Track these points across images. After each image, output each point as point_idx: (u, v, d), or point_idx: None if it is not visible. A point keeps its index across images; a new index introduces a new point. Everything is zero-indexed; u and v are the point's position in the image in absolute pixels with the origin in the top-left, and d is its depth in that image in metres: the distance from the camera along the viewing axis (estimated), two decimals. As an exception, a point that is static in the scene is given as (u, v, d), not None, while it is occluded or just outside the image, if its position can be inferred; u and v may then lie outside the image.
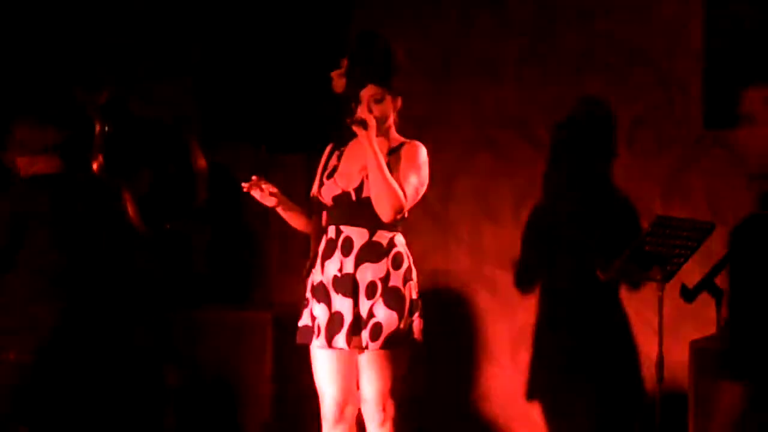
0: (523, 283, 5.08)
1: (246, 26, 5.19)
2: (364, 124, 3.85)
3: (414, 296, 3.94)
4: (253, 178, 4.04)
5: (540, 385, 5.04)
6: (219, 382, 5.06)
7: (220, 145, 5.45)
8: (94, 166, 4.47)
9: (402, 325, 3.86)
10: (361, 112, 3.92)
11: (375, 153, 3.83)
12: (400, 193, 3.85)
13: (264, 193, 4.03)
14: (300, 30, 5.24)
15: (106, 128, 5.11)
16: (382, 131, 3.97)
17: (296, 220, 4.13)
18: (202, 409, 5.07)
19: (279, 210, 4.10)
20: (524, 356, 5.09)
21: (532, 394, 5.06)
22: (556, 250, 5.05)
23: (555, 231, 5.05)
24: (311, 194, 4.10)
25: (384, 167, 3.84)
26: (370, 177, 3.86)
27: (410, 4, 5.43)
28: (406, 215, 3.92)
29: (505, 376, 5.13)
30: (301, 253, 5.56)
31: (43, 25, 5.65)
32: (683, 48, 4.79)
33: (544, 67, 5.10)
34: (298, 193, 5.57)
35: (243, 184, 4.04)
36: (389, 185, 3.82)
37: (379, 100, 3.95)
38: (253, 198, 4.07)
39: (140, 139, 5.49)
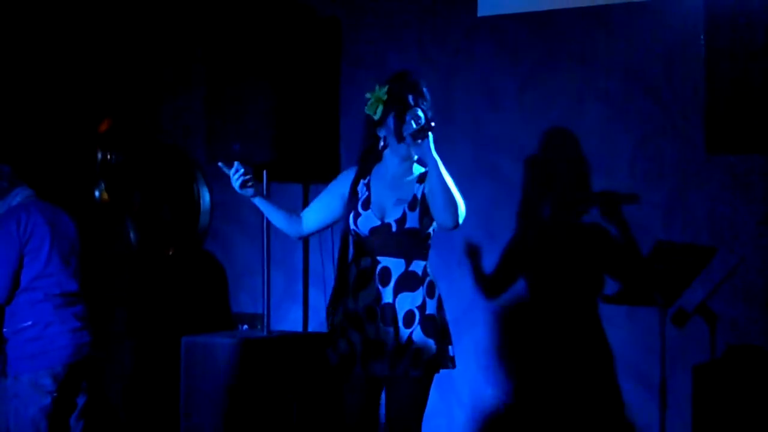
0: (525, 308, 5.08)
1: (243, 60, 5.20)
2: (425, 130, 3.82)
3: (446, 324, 3.97)
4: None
5: (541, 410, 5.03)
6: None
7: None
8: (97, 194, 4.50)
9: (439, 352, 3.90)
10: (414, 117, 3.88)
11: (437, 159, 3.82)
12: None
13: (244, 181, 4.06)
14: (298, 51, 5.25)
15: (109, 156, 5.15)
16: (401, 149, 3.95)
17: (274, 214, 4.17)
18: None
19: (257, 201, 4.13)
20: (526, 381, 5.08)
21: (532, 418, 5.05)
22: (557, 275, 5.05)
23: (556, 256, 5.05)
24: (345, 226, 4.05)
25: (447, 173, 3.84)
26: (434, 183, 3.83)
27: (410, 28, 5.45)
28: None
29: (507, 400, 5.12)
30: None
31: (48, 55, 5.67)
32: (683, 73, 4.80)
33: (545, 93, 5.12)
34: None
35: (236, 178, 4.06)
36: (453, 190, 3.83)
37: (420, 111, 3.91)
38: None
39: (145, 167, 5.51)
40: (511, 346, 5.13)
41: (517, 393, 5.10)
